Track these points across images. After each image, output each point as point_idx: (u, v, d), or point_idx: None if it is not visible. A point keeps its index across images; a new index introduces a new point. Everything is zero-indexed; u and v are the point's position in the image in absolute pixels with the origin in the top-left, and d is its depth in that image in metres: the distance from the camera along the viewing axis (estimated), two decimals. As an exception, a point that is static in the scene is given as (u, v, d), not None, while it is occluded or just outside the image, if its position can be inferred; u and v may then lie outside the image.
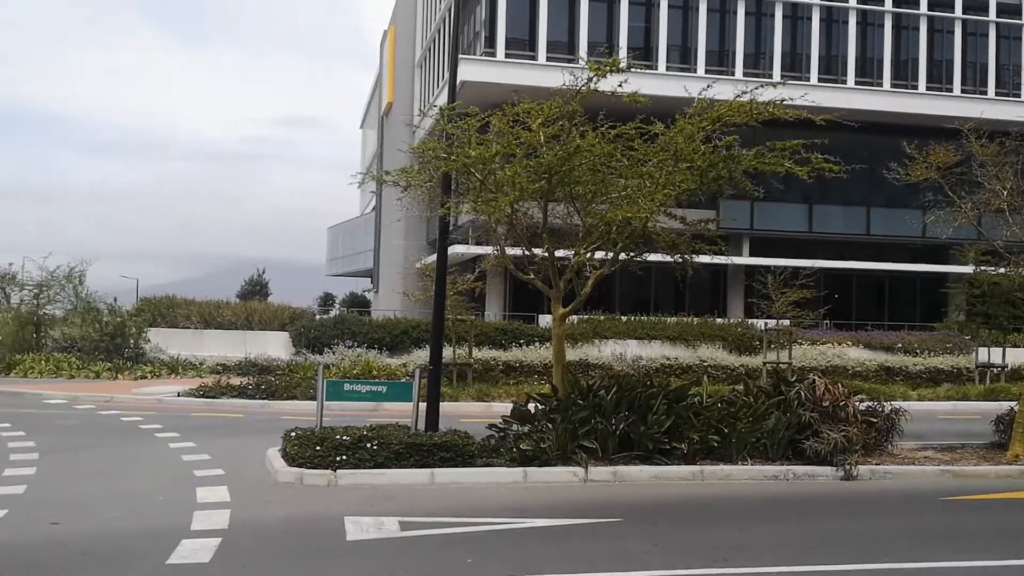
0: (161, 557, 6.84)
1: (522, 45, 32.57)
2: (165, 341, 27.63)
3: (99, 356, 25.54)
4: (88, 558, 6.93)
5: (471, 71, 29.32)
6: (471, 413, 17.28)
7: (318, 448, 10.35)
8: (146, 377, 23.95)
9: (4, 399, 19.39)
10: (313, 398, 17.34)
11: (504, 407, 16.86)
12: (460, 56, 12.91)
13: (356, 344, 25.28)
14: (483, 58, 31.61)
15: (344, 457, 10.20)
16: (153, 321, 28.56)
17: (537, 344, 24.26)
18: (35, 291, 29.26)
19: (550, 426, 10.97)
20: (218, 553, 7.01)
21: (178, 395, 19.39)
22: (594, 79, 11.35)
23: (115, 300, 29.35)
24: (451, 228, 12.78)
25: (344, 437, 10.51)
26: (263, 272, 64.05)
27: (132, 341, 26.52)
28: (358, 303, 52.38)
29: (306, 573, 6.60)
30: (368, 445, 10.35)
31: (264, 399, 18.57)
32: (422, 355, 23.11)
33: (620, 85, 11.36)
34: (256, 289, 60.47)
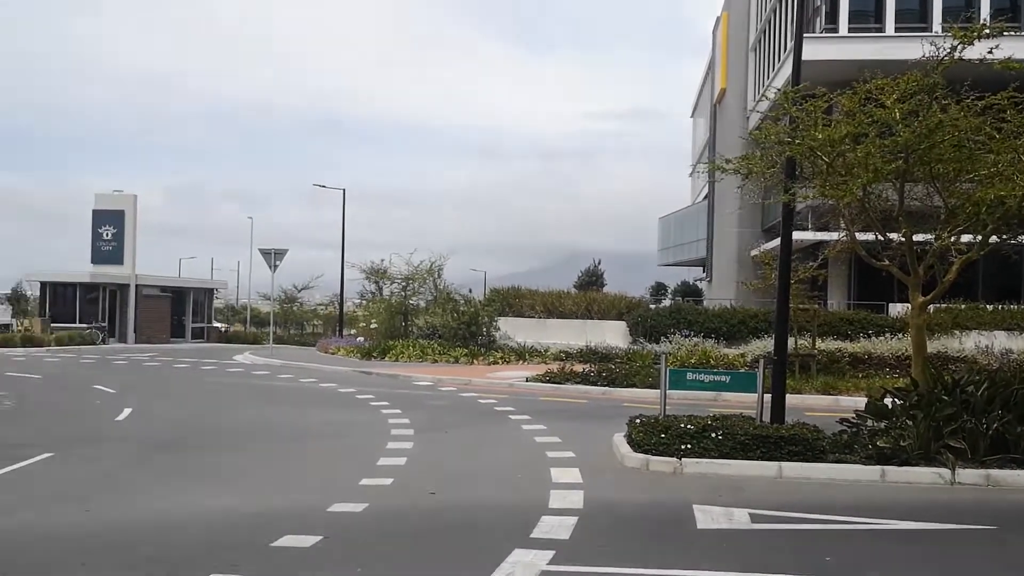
0: (525, 530, 7.36)
1: (866, 18, 30.45)
2: (512, 329, 29.52)
3: (457, 342, 27.92)
4: (462, 527, 7.66)
5: (811, 50, 27.74)
6: (816, 406, 16.59)
7: (663, 436, 10.53)
8: (497, 363, 25.76)
9: (383, 380, 21.93)
10: (652, 386, 17.72)
11: (852, 401, 16.05)
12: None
13: (692, 333, 25.29)
14: (824, 35, 29.98)
15: (689, 446, 10.29)
16: (502, 311, 30.63)
17: (887, 335, 22.71)
18: (403, 284, 32.69)
19: (910, 423, 10.25)
20: (576, 531, 7.41)
21: (526, 380, 20.65)
22: (959, 47, 10.38)
23: (470, 291, 32.01)
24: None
25: (688, 426, 10.60)
26: (599, 263, 65.97)
27: (484, 329, 28.67)
28: (690, 292, 52.22)
29: (660, 557, 6.77)
30: (713, 435, 10.35)
31: (605, 386, 19.21)
32: (760, 345, 22.57)
33: (990, 51, 10.29)
34: (592, 279, 62.45)
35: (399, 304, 32.38)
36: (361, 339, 32.85)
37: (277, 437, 12.99)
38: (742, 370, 18.16)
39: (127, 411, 15.49)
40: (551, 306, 31.86)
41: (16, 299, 49.55)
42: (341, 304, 42.57)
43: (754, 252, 30.62)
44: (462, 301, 30.27)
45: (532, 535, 7.24)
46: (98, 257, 45.85)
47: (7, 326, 45.00)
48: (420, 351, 27.29)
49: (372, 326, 32.46)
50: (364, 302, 39.09)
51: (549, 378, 20.53)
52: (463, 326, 28.48)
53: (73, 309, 44.47)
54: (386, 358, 27.20)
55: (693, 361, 21.19)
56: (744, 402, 14.02)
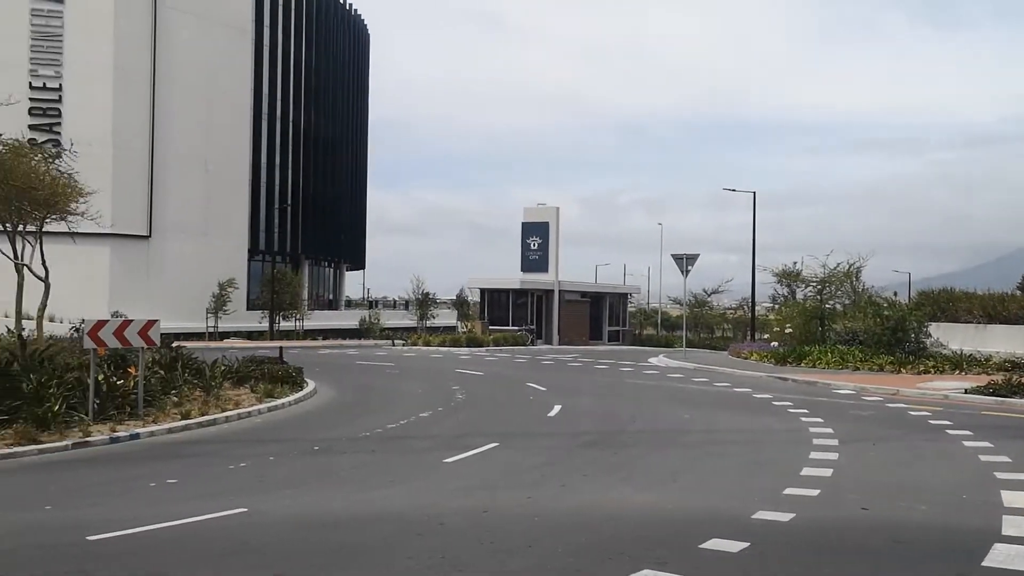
0: (973, 558, 6.68)
1: None
2: (945, 335, 26.95)
3: (880, 349, 26.13)
4: (899, 547, 7.15)
5: None
6: None
7: None
8: (928, 372, 23.66)
9: (799, 387, 21.27)
10: None
11: None
12: None
13: None
14: None
15: None
16: (932, 315, 28.10)
17: None
18: (818, 287, 31.37)
19: None
20: (1039, 564, 6.57)
21: (964, 392, 18.71)
22: None
23: (895, 294, 29.77)
24: None
25: None
26: (1051, 260, 57.49)
27: (912, 335, 26.51)
28: None
29: None
30: None
31: (1065, 402, 16.74)
32: None
33: None
34: (1042, 279, 54.60)
35: (814, 308, 31.11)
36: (775, 344, 32.10)
37: (695, 439, 13.21)
38: None
39: (557, 408, 16.76)
40: (991, 310, 28.51)
41: (460, 304, 55.92)
42: (752, 308, 41.98)
43: None
44: (885, 305, 28.29)
45: (984, 563, 6.56)
46: (526, 265, 50.24)
47: (454, 328, 51.03)
48: (839, 357, 25.97)
49: (786, 331, 31.55)
50: (776, 306, 38.15)
51: (992, 390, 18.39)
52: (887, 332, 26.56)
53: (506, 313, 49.13)
54: (802, 364, 26.30)
55: None
56: None
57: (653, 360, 32.39)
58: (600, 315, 54.80)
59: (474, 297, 54.17)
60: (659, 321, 71.39)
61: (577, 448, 12.30)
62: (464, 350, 38.52)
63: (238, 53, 52.57)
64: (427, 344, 42.18)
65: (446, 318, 55.63)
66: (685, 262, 32.28)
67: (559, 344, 48.31)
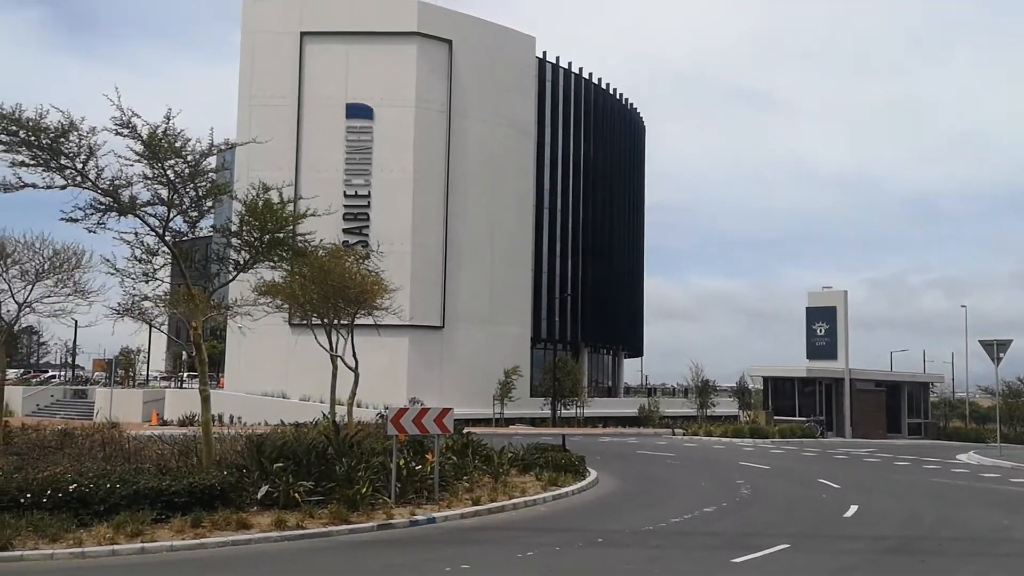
0: None
1: None
2: None
3: None
4: None
5: None
6: None
7: None
8: None
9: None
10: None
11: None
12: None
13: None
14: None
15: None
16: None
17: None
18: None
19: None
20: None
21: None
22: None
23: None
24: None
25: None
26: None
27: None
28: None
29: None
30: None
31: None
32: None
33: None
34: None
35: None
36: (1114, 442, 27.98)
37: (1017, 549, 11.79)
38: None
39: (853, 508, 15.63)
40: None
41: (741, 392, 54.21)
42: (1083, 400, 36.98)
43: None
44: None
45: None
46: (813, 352, 47.90)
47: (735, 417, 49.46)
48: None
49: None
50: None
51: None
52: None
53: (792, 402, 46.88)
54: None
55: None
56: None
57: (962, 457, 29.37)
58: (897, 406, 50.74)
59: (756, 385, 52.31)
60: (967, 413, 64.64)
61: (878, 554, 11.38)
62: (747, 441, 37.12)
63: (521, 151, 55.79)
64: (708, 434, 41.13)
65: (726, 406, 54.06)
66: (996, 349, 29.30)
67: (852, 437, 45.19)
